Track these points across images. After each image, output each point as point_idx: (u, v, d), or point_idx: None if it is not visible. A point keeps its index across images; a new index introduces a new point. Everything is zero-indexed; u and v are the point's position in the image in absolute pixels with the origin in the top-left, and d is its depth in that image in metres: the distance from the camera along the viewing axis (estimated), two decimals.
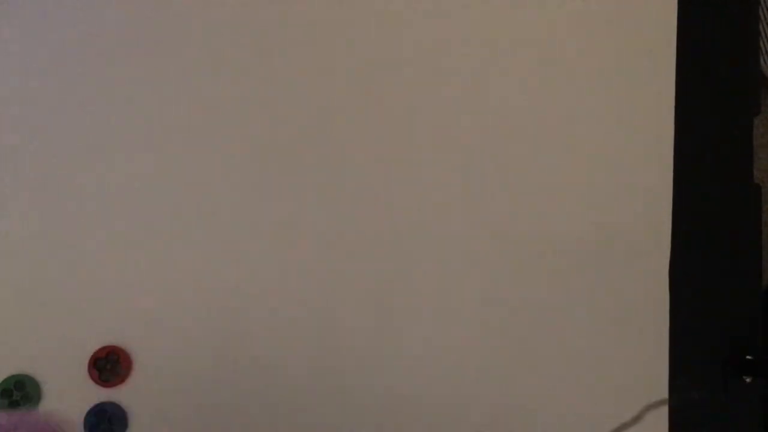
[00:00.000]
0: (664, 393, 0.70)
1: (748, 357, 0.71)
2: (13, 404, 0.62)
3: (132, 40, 0.69)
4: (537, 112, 0.73)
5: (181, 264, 0.66)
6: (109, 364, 0.64)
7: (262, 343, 0.66)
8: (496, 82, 0.73)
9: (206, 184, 0.68)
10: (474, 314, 0.69)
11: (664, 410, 0.70)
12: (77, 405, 0.63)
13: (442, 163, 0.71)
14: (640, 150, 0.74)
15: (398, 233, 0.69)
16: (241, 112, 0.69)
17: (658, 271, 0.72)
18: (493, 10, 0.74)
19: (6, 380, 0.62)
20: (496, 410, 0.68)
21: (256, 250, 0.67)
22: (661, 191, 0.73)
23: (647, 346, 0.71)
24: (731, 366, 0.71)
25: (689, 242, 0.73)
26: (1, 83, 0.67)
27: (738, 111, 0.77)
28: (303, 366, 0.66)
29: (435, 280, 0.69)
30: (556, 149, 0.72)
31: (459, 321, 0.69)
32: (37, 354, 0.63)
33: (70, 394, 0.63)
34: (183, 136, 0.68)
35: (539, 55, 0.74)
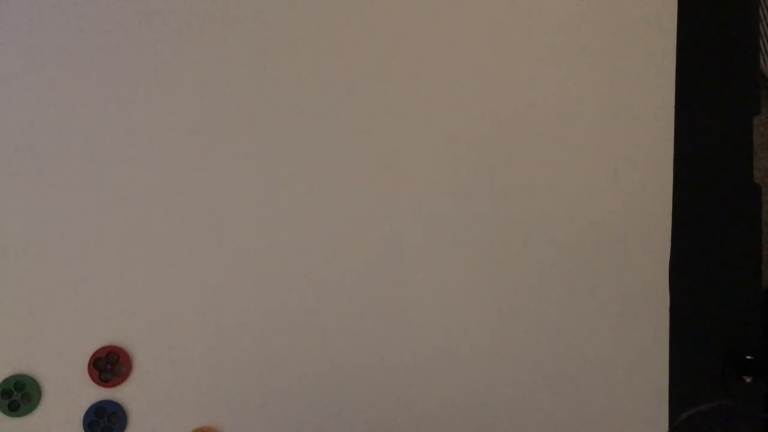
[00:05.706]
0: (664, 393, 0.70)
1: (748, 357, 0.71)
2: (13, 404, 0.62)
3: (131, 39, 0.69)
4: (535, 111, 0.73)
5: (182, 264, 0.66)
6: (109, 364, 0.64)
7: (263, 342, 0.66)
8: (494, 81, 0.73)
9: (207, 185, 0.68)
10: (472, 314, 0.69)
11: (665, 410, 0.70)
12: (77, 405, 0.63)
13: (440, 163, 0.71)
14: (640, 150, 0.74)
15: (396, 235, 0.69)
16: (241, 114, 0.69)
17: (658, 271, 0.72)
18: (491, 9, 0.74)
19: (6, 380, 0.62)
20: (493, 410, 0.68)
21: (257, 249, 0.67)
22: (661, 191, 0.74)
23: (647, 346, 0.71)
24: (731, 366, 0.71)
25: (689, 242, 0.73)
26: (1, 83, 0.67)
27: (738, 111, 0.77)
28: (303, 365, 0.66)
29: (433, 281, 0.69)
30: (556, 149, 0.72)
31: (457, 321, 0.69)
32: (37, 354, 0.63)
33: (70, 394, 0.63)
34: (184, 136, 0.68)
35: (537, 56, 0.74)
